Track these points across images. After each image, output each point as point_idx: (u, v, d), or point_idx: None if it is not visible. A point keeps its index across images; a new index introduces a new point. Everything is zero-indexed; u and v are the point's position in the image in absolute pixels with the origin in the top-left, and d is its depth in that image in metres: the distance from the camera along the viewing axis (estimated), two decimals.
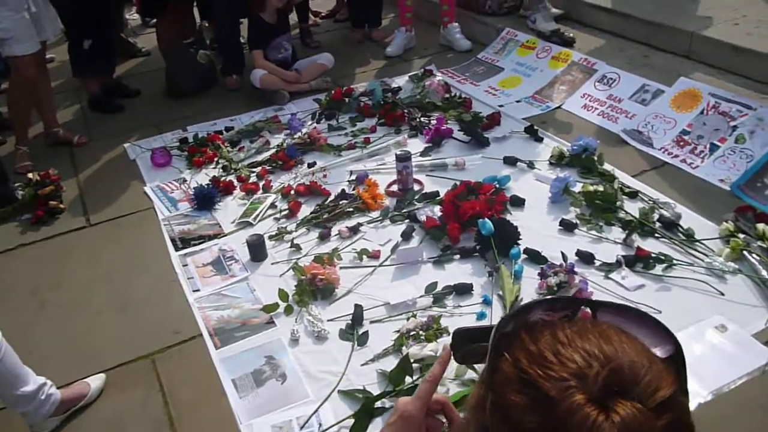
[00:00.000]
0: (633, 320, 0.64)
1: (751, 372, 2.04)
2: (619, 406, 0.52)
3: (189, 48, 4.35)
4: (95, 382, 2.20)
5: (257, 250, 2.73)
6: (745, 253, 2.48)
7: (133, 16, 5.91)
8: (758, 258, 2.45)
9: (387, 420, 0.83)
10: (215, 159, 3.54)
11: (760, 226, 2.55)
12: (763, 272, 2.39)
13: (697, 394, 1.98)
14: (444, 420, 0.87)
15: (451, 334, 0.82)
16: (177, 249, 2.88)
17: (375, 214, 2.96)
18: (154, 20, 5.18)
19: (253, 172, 3.39)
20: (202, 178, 3.38)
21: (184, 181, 3.39)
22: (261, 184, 3.26)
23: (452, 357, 0.83)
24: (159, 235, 2.99)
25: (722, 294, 2.35)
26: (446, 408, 0.86)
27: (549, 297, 0.69)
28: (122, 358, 2.33)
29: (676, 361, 0.61)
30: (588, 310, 0.65)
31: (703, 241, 2.60)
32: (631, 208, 2.80)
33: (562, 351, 0.57)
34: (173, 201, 3.23)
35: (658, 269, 2.48)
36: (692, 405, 1.95)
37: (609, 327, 0.61)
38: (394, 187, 3.12)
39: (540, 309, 0.65)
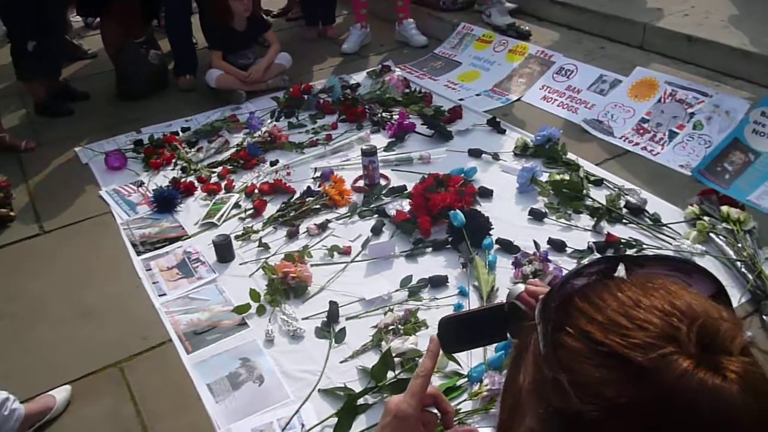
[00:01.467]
0: (671, 268, 0.60)
1: None
2: (728, 362, 0.49)
3: (139, 48, 4.21)
4: (61, 394, 2.09)
5: (224, 251, 2.65)
6: (711, 235, 2.53)
7: (75, 18, 5.71)
8: (724, 239, 2.49)
9: (380, 421, 0.78)
10: (173, 160, 3.44)
11: (724, 208, 2.60)
12: (730, 253, 2.44)
13: None
14: (437, 412, 0.83)
15: (438, 324, 0.78)
16: (139, 253, 2.77)
17: (343, 210, 2.91)
18: (97, 20, 5.01)
19: (214, 172, 3.30)
20: (161, 180, 3.27)
21: (142, 183, 3.27)
22: (223, 184, 3.18)
23: (441, 347, 0.80)
24: (118, 239, 2.88)
25: None
26: (438, 400, 0.83)
27: (581, 264, 0.64)
28: (88, 368, 2.22)
29: (724, 299, 0.59)
30: (622, 267, 0.61)
31: (670, 225, 2.64)
32: (598, 196, 2.83)
33: (635, 314, 0.52)
34: (131, 204, 3.11)
35: (629, 254, 2.51)
36: None
37: (661, 279, 0.57)
38: (361, 183, 3.08)
39: (581, 276, 0.59)
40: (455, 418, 1.86)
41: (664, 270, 0.59)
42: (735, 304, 2.24)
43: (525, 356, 0.60)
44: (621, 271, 0.59)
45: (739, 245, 2.44)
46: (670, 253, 2.49)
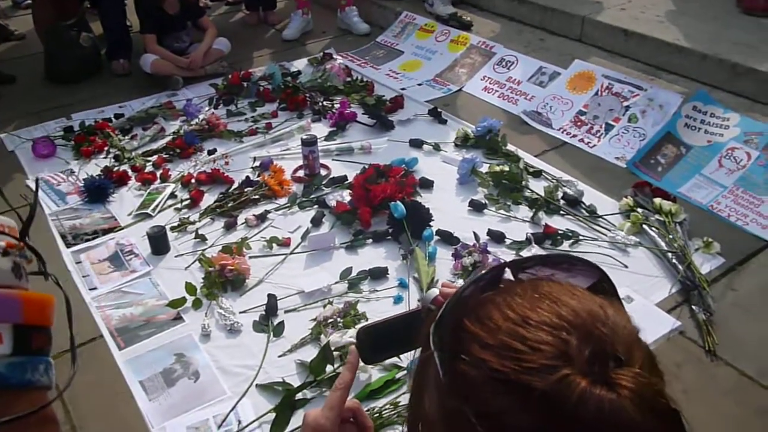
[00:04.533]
0: (552, 266, 0.62)
1: (658, 340, 2.13)
2: (619, 377, 0.49)
3: (70, 30, 4.04)
4: None
5: (159, 243, 2.57)
6: (644, 226, 2.59)
7: None
8: (657, 230, 2.56)
9: None
10: (105, 148, 3.31)
11: (657, 200, 2.67)
12: (662, 244, 2.50)
13: None
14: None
15: (356, 335, 0.77)
16: (68, 245, 2.67)
17: (282, 200, 2.87)
18: (27, 1, 4.79)
19: (149, 161, 3.20)
20: (92, 168, 3.15)
21: (72, 172, 3.15)
22: (158, 173, 3.08)
23: (361, 358, 0.78)
24: (46, 231, 2.75)
25: (626, 266, 2.44)
26: (357, 414, 0.81)
27: (468, 280, 0.63)
28: None
29: (606, 286, 0.61)
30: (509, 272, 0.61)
31: (605, 217, 2.70)
32: (537, 187, 2.86)
33: (526, 334, 0.52)
34: (61, 194, 2.99)
35: (566, 245, 2.55)
36: None
37: (545, 285, 0.57)
38: (301, 173, 3.04)
39: (469, 291, 0.59)
40: (394, 411, 1.87)
41: (547, 269, 0.62)
42: (666, 294, 2.31)
43: (426, 382, 0.59)
44: (508, 274, 0.61)
45: (671, 236, 2.51)
46: (606, 244, 2.54)
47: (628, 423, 0.48)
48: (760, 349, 2.10)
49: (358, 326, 0.77)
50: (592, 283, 0.61)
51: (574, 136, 3.32)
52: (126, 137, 3.40)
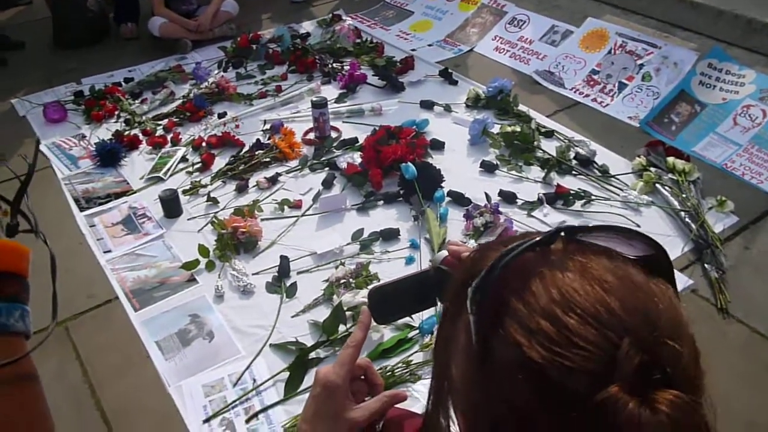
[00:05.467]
0: (610, 235, 0.56)
1: None
2: (660, 397, 0.45)
3: None
4: None
5: (171, 206, 2.58)
6: (657, 185, 2.57)
7: None
8: (669, 190, 2.54)
9: (311, 392, 0.77)
10: (116, 112, 3.31)
11: (670, 159, 2.64)
12: (675, 203, 2.49)
13: None
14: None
15: (367, 295, 0.77)
16: (82, 209, 2.69)
17: (293, 163, 2.86)
18: None
19: (159, 124, 3.19)
20: (103, 133, 3.15)
21: (84, 137, 3.15)
22: (169, 137, 3.08)
23: (372, 318, 0.78)
24: (60, 195, 2.78)
25: (638, 226, 2.42)
26: (368, 372, 0.81)
27: (518, 242, 0.58)
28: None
29: (662, 265, 0.55)
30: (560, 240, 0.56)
31: (618, 177, 2.68)
32: (548, 147, 2.84)
33: (569, 322, 0.48)
34: (73, 158, 3.00)
35: (578, 205, 2.54)
36: None
37: (596, 264, 0.52)
38: (311, 135, 3.03)
39: (516, 256, 0.54)
40: (406, 369, 1.89)
41: (603, 238, 0.56)
42: (678, 253, 2.30)
43: (455, 342, 0.57)
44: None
45: (684, 195, 2.49)
46: (618, 204, 2.53)
47: None
48: None
49: (370, 287, 0.77)
50: (647, 254, 0.55)
51: (587, 95, 3.28)
52: (136, 101, 3.40)
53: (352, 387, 0.78)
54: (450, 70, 3.47)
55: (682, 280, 2.18)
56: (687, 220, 2.40)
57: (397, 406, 0.82)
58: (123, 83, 3.57)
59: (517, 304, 0.51)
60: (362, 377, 0.81)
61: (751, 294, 2.15)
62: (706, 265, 2.24)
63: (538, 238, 0.55)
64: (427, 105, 3.22)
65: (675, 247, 2.32)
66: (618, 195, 2.58)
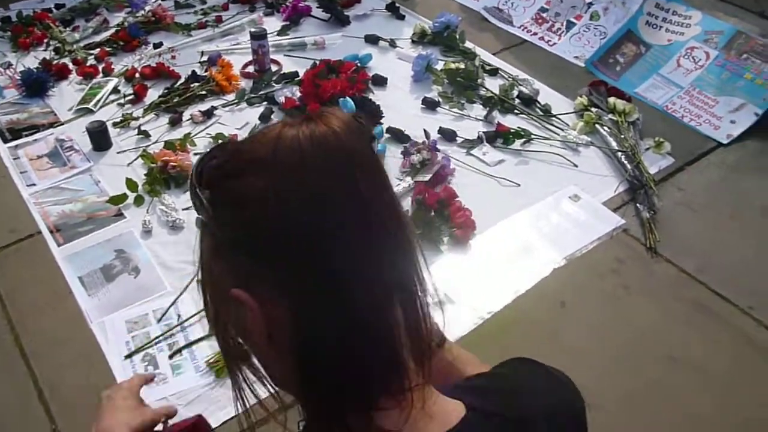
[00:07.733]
0: None
1: (601, 237, 2.15)
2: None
3: None
4: None
5: (100, 139, 2.48)
6: (597, 126, 2.56)
7: None
8: (608, 130, 2.53)
9: None
10: (45, 40, 3.15)
11: (611, 99, 2.63)
12: (613, 143, 2.48)
13: (553, 260, 2.06)
14: None
15: None
16: (5, 141, 2.57)
17: (230, 96, 2.77)
18: None
19: (91, 54, 3.04)
20: (31, 61, 2.99)
21: (9, 65, 2.99)
22: (101, 67, 2.94)
23: None
24: None
25: (576, 166, 2.43)
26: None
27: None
28: None
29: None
30: None
31: (560, 116, 2.66)
32: (492, 86, 2.80)
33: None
34: None
35: (517, 144, 2.51)
36: (548, 270, 2.03)
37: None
38: (250, 68, 2.93)
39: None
40: None
41: None
42: (612, 193, 2.31)
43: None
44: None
45: (622, 136, 2.49)
46: (557, 143, 2.51)
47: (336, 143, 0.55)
48: (699, 246, 2.13)
49: None
50: None
51: (535, 33, 3.23)
52: (67, 29, 3.23)
53: None
54: (397, 4, 3.37)
55: (614, 220, 2.20)
56: (623, 160, 2.40)
57: None
58: (54, 9, 3.38)
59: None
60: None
61: (681, 234, 2.17)
62: (638, 205, 2.25)
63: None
64: (371, 40, 3.13)
65: (609, 188, 2.33)
66: (558, 135, 2.56)
